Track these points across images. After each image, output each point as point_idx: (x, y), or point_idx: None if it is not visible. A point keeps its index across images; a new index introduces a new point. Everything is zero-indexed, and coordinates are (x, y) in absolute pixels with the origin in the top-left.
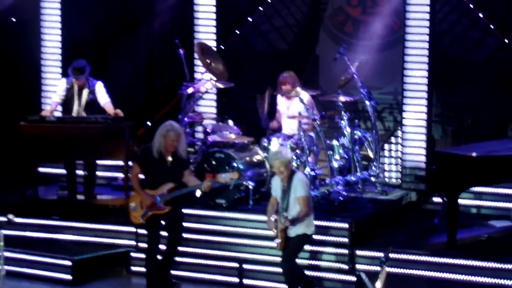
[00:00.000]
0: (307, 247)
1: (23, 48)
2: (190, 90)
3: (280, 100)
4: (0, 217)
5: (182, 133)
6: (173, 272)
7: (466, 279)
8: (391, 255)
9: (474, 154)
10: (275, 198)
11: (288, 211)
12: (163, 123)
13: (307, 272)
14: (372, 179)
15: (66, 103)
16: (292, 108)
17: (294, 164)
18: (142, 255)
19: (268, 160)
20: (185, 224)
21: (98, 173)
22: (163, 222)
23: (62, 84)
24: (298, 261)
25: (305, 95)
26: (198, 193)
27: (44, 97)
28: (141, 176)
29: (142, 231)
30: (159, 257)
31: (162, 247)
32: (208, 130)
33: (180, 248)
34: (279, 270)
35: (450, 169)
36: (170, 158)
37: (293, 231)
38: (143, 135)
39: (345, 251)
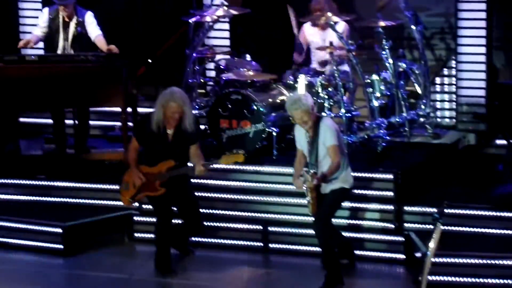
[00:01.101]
0: (345, 204)
1: None
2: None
3: (308, 28)
4: None
5: (186, 103)
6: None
7: None
8: (446, 211)
9: None
10: (301, 152)
11: (319, 165)
12: (163, 91)
13: (345, 234)
14: (421, 120)
15: (50, 38)
16: (323, 37)
17: (326, 104)
18: (147, 219)
19: (286, 109)
20: (199, 181)
21: (91, 123)
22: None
23: (45, 14)
24: (334, 220)
25: (338, 21)
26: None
27: (23, 32)
28: None
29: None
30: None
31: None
32: (221, 67)
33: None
34: (310, 232)
35: None
36: (171, 132)
37: (327, 187)
38: (143, 75)
39: (391, 207)
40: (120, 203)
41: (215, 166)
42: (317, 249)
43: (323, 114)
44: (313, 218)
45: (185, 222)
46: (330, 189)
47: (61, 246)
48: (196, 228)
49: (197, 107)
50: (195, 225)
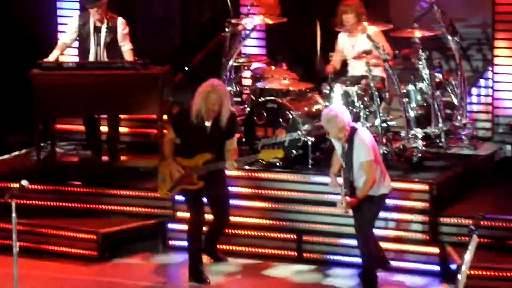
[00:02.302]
0: (380, 214)
1: None
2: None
3: (342, 37)
4: (12, 184)
5: (227, 96)
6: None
7: None
8: (482, 223)
9: None
10: (338, 156)
11: (354, 178)
12: (204, 82)
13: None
14: (458, 131)
15: (82, 44)
16: (358, 46)
17: (362, 114)
18: (181, 226)
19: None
20: (232, 189)
21: (126, 130)
22: (205, 200)
23: (74, 20)
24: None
25: (374, 30)
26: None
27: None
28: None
29: (181, 198)
30: (204, 228)
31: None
32: (257, 75)
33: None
34: (345, 241)
35: None
36: (209, 124)
37: (373, 191)
38: (179, 83)
39: (426, 218)
40: (155, 210)
41: (248, 165)
42: (352, 259)
43: (359, 124)
44: (351, 228)
45: (214, 218)
46: (370, 195)
47: (95, 253)
48: (224, 223)
49: None
50: (224, 220)
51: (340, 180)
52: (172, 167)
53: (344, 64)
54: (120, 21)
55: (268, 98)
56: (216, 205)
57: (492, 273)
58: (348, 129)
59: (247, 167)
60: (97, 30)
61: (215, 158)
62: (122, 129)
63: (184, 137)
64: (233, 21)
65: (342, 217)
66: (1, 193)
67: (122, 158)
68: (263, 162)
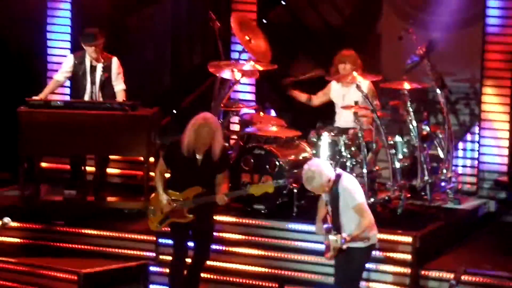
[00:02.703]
0: None
1: (27, 20)
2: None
3: (335, 85)
4: None
5: (218, 129)
6: None
7: None
8: (464, 277)
9: None
10: (323, 203)
11: (341, 224)
12: (196, 115)
13: None
14: (443, 184)
15: (76, 83)
16: (349, 97)
17: (348, 164)
18: (163, 269)
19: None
20: (217, 234)
21: (112, 171)
22: (190, 232)
23: (70, 60)
24: None
25: (364, 81)
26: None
27: (51, 78)
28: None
29: (164, 241)
30: (184, 271)
31: (188, 260)
32: (246, 121)
33: (209, 263)
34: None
35: None
36: (200, 157)
37: (353, 244)
38: (167, 125)
39: (408, 271)
40: (138, 252)
41: (238, 199)
42: None
43: (340, 170)
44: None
45: (194, 254)
46: (356, 246)
47: None
48: (203, 259)
49: None
50: (204, 256)
51: (325, 226)
52: (163, 200)
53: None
54: (115, 61)
55: (255, 144)
56: (199, 240)
57: None
58: (332, 182)
59: (233, 214)
60: (93, 69)
61: (205, 192)
62: (109, 170)
63: (175, 170)
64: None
65: (324, 266)
66: None
67: (108, 198)
68: (254, 195)
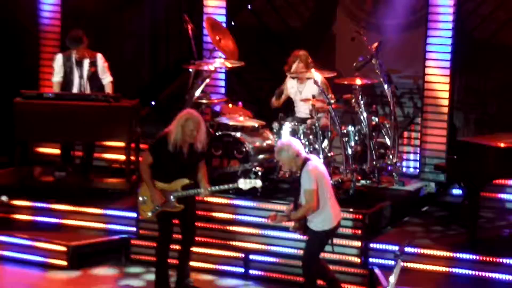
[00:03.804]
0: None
1: (20, 20)
2: (197, 68)
3: (291, 82)
4: None
5: (202, 123)
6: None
7: (486, 275)
8: (407, 249)
9: (502, 145)
10: None
11: (298, 206)
12: (180, 113)
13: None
14: (389, 168)
15: (65, 77)
16: (306, 91)
17: (306, 150)
18: (143, 242)
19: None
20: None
21: (97, 155)
22: (175, 220)
23: (58, 60)
24: None
25: (320, 77)
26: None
27: (43, 73)
28: None
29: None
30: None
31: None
32: (216, 111)
33: None
34: (287, 261)
35: (473, 160)
36: (185, 150)
37: (312, 225)
38: (146, 115)
39: (358, 244)
40: (120, 227)
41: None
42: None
43: (314, 156)
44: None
45: (183, 237)
46: (310, 229)
47: (65, 263)
48: (190, 240)
49: None
50: (192, 238)
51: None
52: (153, 192)
53: (289, 104)
54: (100, 56)
55: (224, 132)
56: (186, 224)
57: None
58: (300, 160)
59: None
60: (79, 64)
61: (191, 183)
62: (95, 154)
63: (162, 163)
64: (196, 63)
65: (284, 240)
66: None
67: (93, 179)
68: (242, 190)
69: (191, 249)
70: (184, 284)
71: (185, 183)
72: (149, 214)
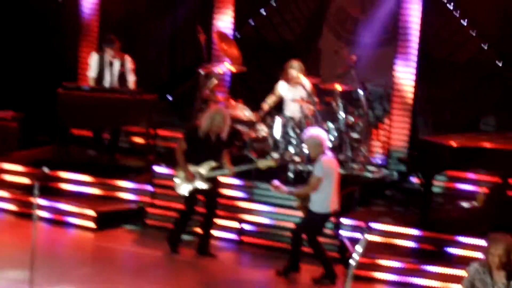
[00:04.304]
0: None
1: (66, 24)
2: (207, 70)
3: (283, 85)
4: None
5: (228, 118)
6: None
7: (435, 248)
8: (372, 225)
9: (454, 144)
10: None
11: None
12: (211, 107)
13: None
14: (361, 158)
15: (99, 74)
16: (296, 93)
17: (293, 142)
18: (156, 210)
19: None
20: None
21: (122, 138)
22: (200, 197)
23: (94, 57)
24: None
25: (307, 82)
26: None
27: (82, 69)
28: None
29: (158, 190)
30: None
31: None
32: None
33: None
34: (273, 231)
35: (431, 155)
36: (213, 138)
37: (311, 205)
38: (163, 107)
39: (333, 219)
40: (138, 197)
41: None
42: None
43: (330, 154)
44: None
45: (206, 211)
46: (309, 209)
47: (93, 225)
48: (213, 214)
49: None
50: (214, 212)
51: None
52: (187, 173)
53: (279, 104)
54: (128, 58)
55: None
56: (210, 200)
57: (376, 262)
58: (321, 150)
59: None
60: (111, 64)
61: (219, 166)
62: (120, 137)
63: (193, 148)
64: (207, 65)
65: (277, 214)
66: (31, 176)
67: (118, 158)
68: (260, 169)
69: (213, 220)
70: (206, 250)
71: (212, 166)
72: (184, 191)
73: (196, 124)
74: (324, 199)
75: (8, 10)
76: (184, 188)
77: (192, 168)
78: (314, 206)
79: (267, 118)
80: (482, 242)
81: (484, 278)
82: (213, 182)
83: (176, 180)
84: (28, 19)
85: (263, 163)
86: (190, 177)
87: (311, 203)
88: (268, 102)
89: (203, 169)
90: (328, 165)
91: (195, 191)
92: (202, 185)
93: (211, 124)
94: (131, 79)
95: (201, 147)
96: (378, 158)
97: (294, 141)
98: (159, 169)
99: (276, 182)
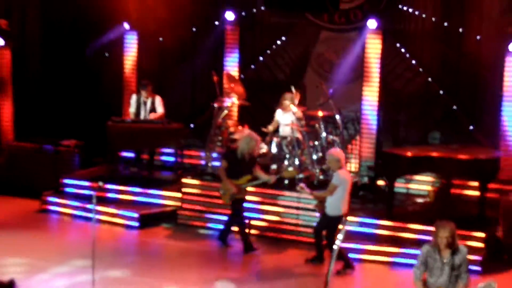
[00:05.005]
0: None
1: (113, 74)
2: (219, 104)
3: (279, 112)
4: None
5: (259, 142)
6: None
7: (397, 235)
8: (353, 219)
9: (409, 154)
10: None
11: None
12: (247, 134)
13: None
14: None
15: (137, 110)
16: (288, 118)
17: (287, 156)
18: (185, 213)
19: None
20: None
21: (157, 157)
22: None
23: (133, 98)
24: None
25: (296, 110)
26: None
27: (125, 107)
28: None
29: (186, 197)
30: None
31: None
32: (230, 132)
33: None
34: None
35: (391, 163)
36: (247, 158)
37: (327, 209)
38: (187, 133)
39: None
40: (171, 202)
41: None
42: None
43: (347, 169)
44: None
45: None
46: (325, 212)
47: (137, 224)
48: (236, 219)
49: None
50: (237, 218)
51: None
52: (229, 186)
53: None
54: (159, 98)
55: (234, 144)
56: (236, 206)
57: (354, 247)
58: (339, 165)
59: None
60: (145, 102)
61: (254, 177)
62: (156, 157)
63: (233, 166)
64: (219, 100)
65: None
66: (90, 188)
67: (154, 173)
68: (286, 178)
69: (237, 220)
70: (251, 245)
71: (248, 178)
72: (228, 200)
73: (233, 147)
74: (338, 204)
75: (70, 66)
76: (227, 198)
77: (233, 182)
78: (330, 209)
79: (265, 138)
80: (432, 228)
81: (434, 256)
82: (244, 192)
83: (221, 193)
84: (85, 73)
85: (289, 174)
86: (232, 189)
87: (327, 207)
88: (270, 128)
89: (242, 182)
90: (343, 176)
91: (240, 200)
92: (243, 194)
93: (247, 147)
94: (160, 112)
95: (238, 164)
96: (351, 166)
97: (287, 156)
98: (186, 180)
99: (302, 185)
